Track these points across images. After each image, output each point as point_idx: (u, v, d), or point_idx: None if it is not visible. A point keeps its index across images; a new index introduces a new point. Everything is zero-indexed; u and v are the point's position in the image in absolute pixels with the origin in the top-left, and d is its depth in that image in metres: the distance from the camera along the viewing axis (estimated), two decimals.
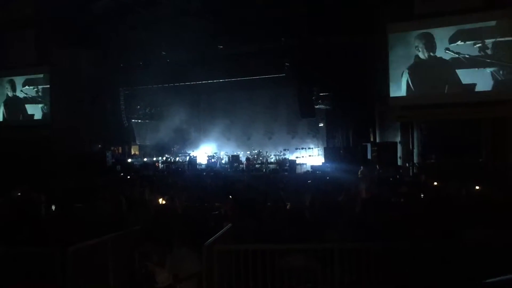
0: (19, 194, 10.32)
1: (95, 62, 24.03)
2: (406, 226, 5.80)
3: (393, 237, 5.40)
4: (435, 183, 11.71)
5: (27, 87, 24.73)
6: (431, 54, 17.66)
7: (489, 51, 16.73)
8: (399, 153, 19.09)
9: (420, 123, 18.98)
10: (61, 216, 7.29)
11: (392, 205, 7.40)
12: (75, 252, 5.07)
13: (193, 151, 27.14)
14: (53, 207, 8.18)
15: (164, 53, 23.86)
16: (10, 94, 25.15)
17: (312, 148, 24.64)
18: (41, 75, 24.24)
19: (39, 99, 24.42)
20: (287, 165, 22.80)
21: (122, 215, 7.36)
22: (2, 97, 25.31)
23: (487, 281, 1.09)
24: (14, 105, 25.13)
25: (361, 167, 16.80)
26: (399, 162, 18.88)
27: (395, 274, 4.98)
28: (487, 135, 17.23)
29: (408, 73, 18.02)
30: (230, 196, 9.18)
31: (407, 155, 18.91)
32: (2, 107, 25.37)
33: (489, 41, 16.69)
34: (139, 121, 28.59)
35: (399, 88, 18.26)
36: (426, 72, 17.86)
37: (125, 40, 22.38)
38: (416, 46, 17.79)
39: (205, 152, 26.75)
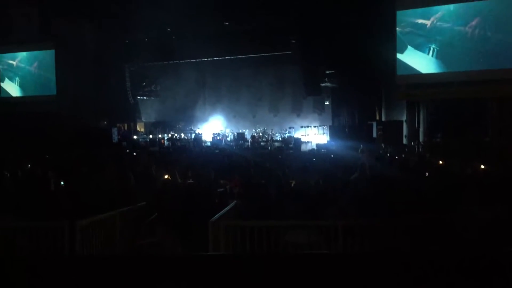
0: (27, 170, 10.43)
1: (101, 38, 23.94)
2: (411, 204, 5.85)
3: (398, 214, 5.46)
4: (440, 162, 11.70)
5: (35, 63, 24.77)
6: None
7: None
8: (404, 132, 19.05)
9: (427, 102, 18.89)
10: (69, 191, 7.38)
11: (397, 183, 7.42)
12: (84, 226, 5.17)
13: (198, 128, 27.14)
14: (62, 183, 8.27)
15: (169, 29, 23.69)
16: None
17: (317, 126, 24.58)
18: (47, 51, 24.22)
19: (46, 76, 24.45)
20: (292, 143, 22.81)
21: (130, 191, 7.44)
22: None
23: None
24: (26, 81, 25.23)
25: (361, 145, 16.79)
26: (405, 141, 18.86)
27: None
28: (493, 114, 17.14)
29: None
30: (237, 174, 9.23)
31: (413, 133, 18.88)
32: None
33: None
34: (145, 98, 28.58)
35: (407, 66, 18.14)
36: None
37: (131, 15, 22.20)
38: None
39: (210, 129, 26.75)
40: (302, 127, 24.66)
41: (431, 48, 17.66)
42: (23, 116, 22.77)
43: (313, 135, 24.01)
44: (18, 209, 6.10)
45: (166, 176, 9.72)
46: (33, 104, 24.23)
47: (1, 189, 7.39)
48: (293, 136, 23.83)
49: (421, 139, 18.72)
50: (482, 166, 9.94)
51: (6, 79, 25.51)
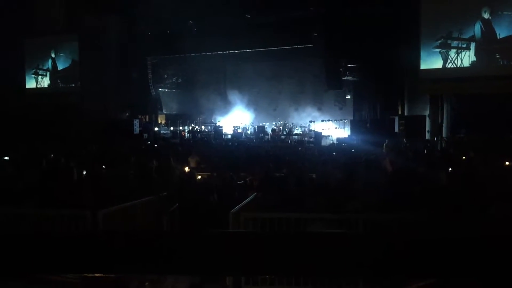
0: (50, 159, 10.62)
1: (123, 31, 24.16)
2: (433, 199, 5.77)
3: (419, 209, 5.39)
4: (464, 158, 11.51)
5: (59, 54, 25.17)
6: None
7: None
8: (427, 127, 18.78)
9: (451, 97, 18.57)
10: (92, 181, 7.49)
11: (419, 178, 7.34)
12: (106, 215, 5.24)
13: (219, 121, 27.24)
14: (84, 173, 8.40)
15: (191, 22, 23.76)
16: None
17: (338, 120, 24.37)
18: (71, 43, 24.56)
19: (69, 68, 24.82)
20: (313, 137, 22.68)
21: (151, 181, 7.52)
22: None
23: None
24: (50, 72, 25.65)
25: (386, 140, 16.58)
26: (427, 136, 18.60)
27: None
28: None
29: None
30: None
31: (436, 129, 18.59)
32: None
33: None
34: (166, 90, 28.77)
35: (430, 60, 17.87)
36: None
37: (153, 8, 22.33)
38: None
39: (231, 122, 26.81)
40: (323, 120, 24.49)
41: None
42: (47, 107, 23.18)
43: (333, 129, 23.83)
44: (42, 197, 6.22)
45: (187, 168, 9.81)
46: (57, 95, 24.65)
47: (27, 178, 7.53)
48: (314, 130, 23.67)
49: (444, 135, 18.42)
50: (507, 163, 9.76)
51: (30, 71, 25.95)
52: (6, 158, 10.88)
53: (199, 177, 9.16)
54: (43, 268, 1.02)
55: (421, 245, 0.98)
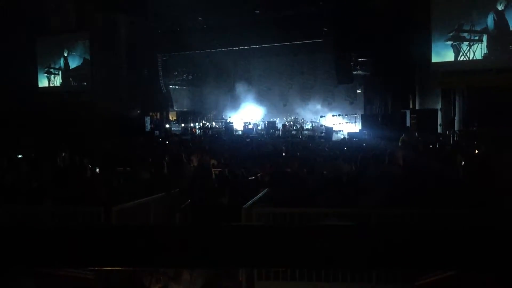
0: (64, 157, 10.73)
1: (134, 29, 24.27)
2: (445, 194, 5.73)
3: (431, 204, 5.36)
4: (476, 151, 11.39)
5: (71, 53, 25.36)
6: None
7: None
8: (439, 121, 18.62)
9: (463, 90, 18.38)
10: (105, 178, 7.56)
11: (432, 172, 7.28)
12: (119, 212, 5.29)
13: (229, 117, 27.28)
14: (97, 170, 8.49)
15: (201, 18, 23.79)
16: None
17: (349, 115, 24.28)
18: (81, 42, 24.73)
19: (81, 66, 24.99)
20: (323, 131, 22.62)
21: (163, 178, 7.56)
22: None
23: None
24: (62, 71, 25.87)
25: (403, 134, 16.39)
26: (439, 130, 18.44)
27: None
28: None
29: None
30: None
31: (448, 122, 18.43)
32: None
33: None
34: (177, 87, 28.87)
35: (442, 53, 17.70)
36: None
37: (163, 6, 22.40)
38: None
39: (241, 118, 26.84)
40: (333, 115, 24.42)
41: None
42: (60, 106, 23.38)
43: (344, 123, 23.74)
44: (56, 195, 6.29)
45: (197, 164, 9.82)
46: (69, 94, 24.86)
47: (41, 176, 7.62)
48: (324, 125, 23.60)
49: (456, 128, 18.26)
50: None
51: (43, 69, 26.18)
52: (20, 156, 11.03)
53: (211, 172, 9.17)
54: (57, 262, 1.04)
55: (433, 237, 0.99)
